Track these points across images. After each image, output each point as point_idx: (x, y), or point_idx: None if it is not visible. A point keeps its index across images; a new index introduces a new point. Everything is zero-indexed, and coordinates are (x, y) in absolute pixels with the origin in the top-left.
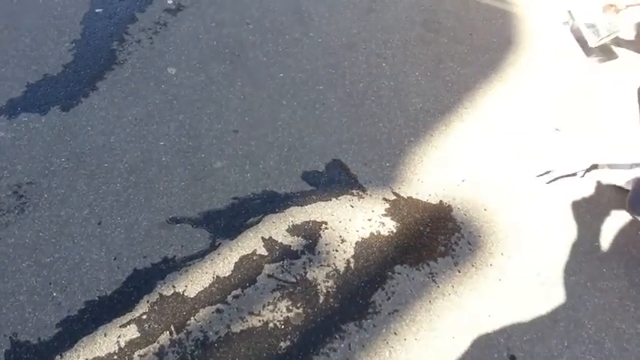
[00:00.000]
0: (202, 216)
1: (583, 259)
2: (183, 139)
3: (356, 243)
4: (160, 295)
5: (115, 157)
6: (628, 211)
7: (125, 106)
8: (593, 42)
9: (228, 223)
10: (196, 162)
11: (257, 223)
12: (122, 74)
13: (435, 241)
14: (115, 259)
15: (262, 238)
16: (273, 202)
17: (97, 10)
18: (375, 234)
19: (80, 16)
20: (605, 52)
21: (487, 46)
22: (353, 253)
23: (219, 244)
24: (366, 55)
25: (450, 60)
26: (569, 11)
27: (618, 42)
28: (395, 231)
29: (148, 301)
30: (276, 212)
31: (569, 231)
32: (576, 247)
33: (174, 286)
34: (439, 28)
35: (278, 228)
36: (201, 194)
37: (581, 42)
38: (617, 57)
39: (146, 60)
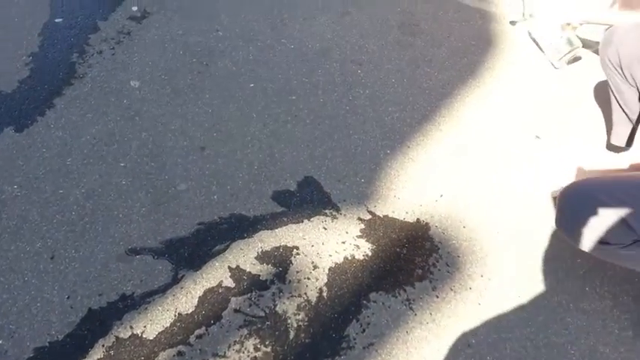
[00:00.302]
0: (164, 245)
1: (565, 278)
2: (145, 159)
3: (329, 269)
4: (117, 337)
5: (71, 181)
6: (559, 230)
7: (83, 125)
8: (556, 60)
9: (193, 252)
10: (159, 184)
11: (224, 250)
12: (81, 89)
13: (412, 264)
14: (68, 298)
15: (229, 267)
16: (242, 227)
17: (56, 20)
18: (350, 258)
19: (39, 26)
20: (571, 61)
21: (465, 49)
22: (326, 280)
23: (182, 276)
24: (340, 62)
25: (427, 65)
26: (523, 13)
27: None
28: (370, 254)
29: (103, 345)
30: (245, 238)
31: (550, 247)
32: (557, 265)
33: (132, 327)
34: (416, 30)
35: (246, 255)
36: (163, 220)
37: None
38: (581, 59)
39: (107, 73)
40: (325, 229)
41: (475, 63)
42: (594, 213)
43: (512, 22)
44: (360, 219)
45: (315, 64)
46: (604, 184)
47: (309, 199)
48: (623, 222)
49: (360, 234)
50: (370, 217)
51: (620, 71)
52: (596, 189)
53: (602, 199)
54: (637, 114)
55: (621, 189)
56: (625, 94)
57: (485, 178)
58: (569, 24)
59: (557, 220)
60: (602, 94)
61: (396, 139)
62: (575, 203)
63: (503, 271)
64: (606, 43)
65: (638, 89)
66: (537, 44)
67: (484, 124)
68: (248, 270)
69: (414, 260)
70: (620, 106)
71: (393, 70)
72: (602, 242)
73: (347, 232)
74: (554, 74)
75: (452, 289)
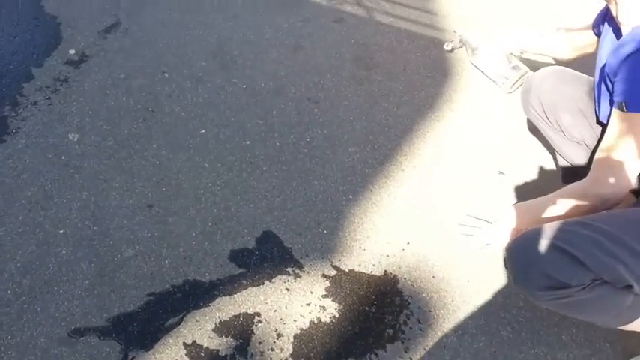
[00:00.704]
0: (111, 323)
1: (540, 328)
2: (87, 223)
3: (294, 337)
4: None
5: (5, 255)
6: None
7: (18, 188)
8: (507, 88)
9: (143, 328)
10: (103, 251)
11: (178, 324)
12: (15, 147)
13: (382, 324)
14: None
15: (184, 343)
16: (197, 294)
17: None
18: (316, 322)
19: None
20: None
21: (422, 81)
22: (291, 350)
23: (132, 358)
24: (296, 101)
25: (385, 100)
26: (461, 40)
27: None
28: (337, 316)
29: None
30: (201, 307)
31: (523, 294)
32: (532, 314)
33: None
34: (371, 64)
35: (203, 328)
36: (109, 294)
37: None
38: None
39: (44, 126)
40: (288, 289)
41: (433, 96)
42: (546, 258)
43: (451, 50)
44: (324, 275)
45: (270, 105)
46: (544, 230)
47: (269, 257)
48: (576, 260)
49: (325, 293)
50: (335, 272)
51: (544, 118)
52: (541, 235)
53: (549, 244)
54: (572, 157)
55: (563, 230)
56: (553, 139)
57: (451, 220)
58: (511, 54)
59: (513, 280)
60: None
61: (357, 183)
62: (524, 256)
63: (477, 324)
64: (526, 91)
65: (564, 134)
66: (485, 74)
67: (446, 162)
68: (205, 345)
69: (384, 319)
70: (555, 150)
71: (351, 107)
72: (563, 287)
73: (311, 292)
74: (510, 101)
75: (425, 349)
